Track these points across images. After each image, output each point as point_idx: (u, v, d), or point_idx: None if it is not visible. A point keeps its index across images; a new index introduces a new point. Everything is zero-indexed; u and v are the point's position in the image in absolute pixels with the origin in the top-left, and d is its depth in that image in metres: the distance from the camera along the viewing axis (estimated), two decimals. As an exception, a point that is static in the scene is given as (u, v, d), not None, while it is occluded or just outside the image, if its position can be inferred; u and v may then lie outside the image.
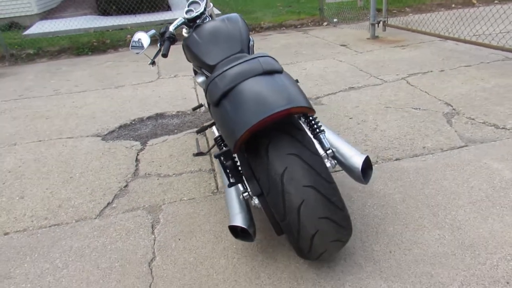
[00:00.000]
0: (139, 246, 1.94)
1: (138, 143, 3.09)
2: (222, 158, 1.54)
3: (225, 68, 1.66)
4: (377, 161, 2.47)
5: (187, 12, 2.49)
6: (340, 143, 1.86)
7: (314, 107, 3.43)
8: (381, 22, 5.81)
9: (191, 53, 2.26)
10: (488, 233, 1.77)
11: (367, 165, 1.73)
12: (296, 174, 1.39)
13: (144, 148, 2.99)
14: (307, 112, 1.44)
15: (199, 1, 2.52)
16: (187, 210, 2.18)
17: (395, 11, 7.62)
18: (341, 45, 5.57)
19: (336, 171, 2.39)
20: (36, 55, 6.95)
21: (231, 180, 1.60)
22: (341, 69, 4.43)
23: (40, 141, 3.30)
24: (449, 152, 2.48)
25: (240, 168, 1.59)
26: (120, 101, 4.12)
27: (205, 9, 2.51)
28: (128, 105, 3.97)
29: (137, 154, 2.90)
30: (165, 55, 2.26)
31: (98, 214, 2.23)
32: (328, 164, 1.69)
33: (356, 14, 7.39)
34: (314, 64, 4.77)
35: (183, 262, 1.79)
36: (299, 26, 7.50)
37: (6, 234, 2.14)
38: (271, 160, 1.41)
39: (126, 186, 2.50)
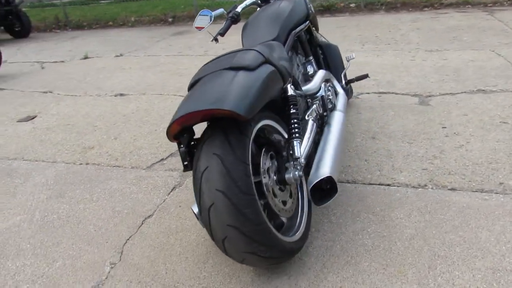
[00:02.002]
0: (151, 202, 2.21)
1: (224, 111, 3.33)
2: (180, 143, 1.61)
3: (215, 57, 1.69)
4: (426, 185, 2.06)
5: (259, -9, 2.49)
6: (326, 153, 1.67)
7: (415, 106, 2.98)
8: None
9: (241, 36, 2.29)
10: (476, 312, 1.36)
11: (332, 186, 1.52)
12: (213, 175, 1.36)
13: (225, 117, 3.21)
14: (235, 117, 1.36)
15: (274, -20, 2.48)
16: (207, 183, 2.32)
17: None
18: (521, 34, 4.46)
19: (364, 184, 2.13)
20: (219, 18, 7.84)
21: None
22: (489, 65, 3.60)
23: (161, 94, 3.90)
24: (531, 199, 1.87)
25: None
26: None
27: (277, -11, 2.46)
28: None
29: (214, 121, 3.14)
30: (221, 34, 2.36)
31: (148, 166, 2.61)
32: (290, 175, 1.57)
33: None
34: (462, 54, 4.00)
35: (165, 227, 1.99)
36: (489, 5, 6.24)
37: (87, 164, 2.73)
38: (200, 156, 1.42)
39: (185, 147, 2.79)
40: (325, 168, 1.56)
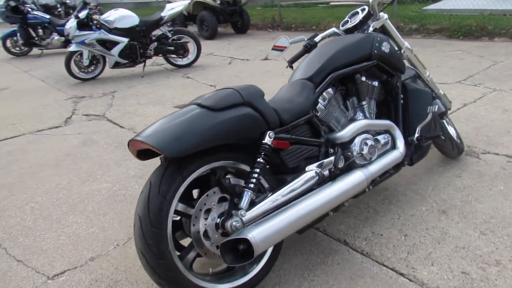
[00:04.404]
0: (188, 204, 2.44)
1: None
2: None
3: None
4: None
5: (343, 23, 2.32)
6: (279, 215, 1.51)
7: (546, 188, 2.20)
8: None
9: None
10: None
11: (249, 249, 1.38)
12: (141, 200, 1.48)
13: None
14: (157, 152, 1.41)
15: (359, 12, 2.27)
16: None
17: None
18: None
19: (375, 262, 1.78)
20: (415, 31, 7.23)
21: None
22: None
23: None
24: None
25: None
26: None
27: (362, 21, 2.23)
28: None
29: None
30: (289, 62, 2.35)
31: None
32: (228, 223, 1.51)
33: None
34: None
35: (174, 231, 2.19)
36: None
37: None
38: (149, 177, 1.54)
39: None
40: (257, 229, 1.44)
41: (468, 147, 2.74)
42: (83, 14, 5.54)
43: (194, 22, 9.41)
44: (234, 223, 1.51)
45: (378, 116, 2.21)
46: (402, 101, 2.19)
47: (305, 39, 2.39)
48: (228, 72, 5.79)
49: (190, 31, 6.50)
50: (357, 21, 2.23)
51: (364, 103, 2.03)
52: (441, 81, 4.28)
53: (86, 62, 5.83)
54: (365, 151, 1.89)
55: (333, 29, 2.35)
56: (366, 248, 1.90)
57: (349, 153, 1.90)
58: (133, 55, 5.89)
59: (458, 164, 2.55)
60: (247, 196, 1.54)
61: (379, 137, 2.01)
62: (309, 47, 2.29)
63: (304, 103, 1.82)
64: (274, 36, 8.77)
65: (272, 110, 1.67)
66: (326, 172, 1.80)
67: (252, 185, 1.56)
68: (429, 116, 2.15)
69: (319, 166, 1.80)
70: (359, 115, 2.04)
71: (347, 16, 2.34)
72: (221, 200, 1.60)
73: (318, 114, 1.89)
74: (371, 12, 2.24)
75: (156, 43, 5.97)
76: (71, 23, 5.54)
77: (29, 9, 8.29)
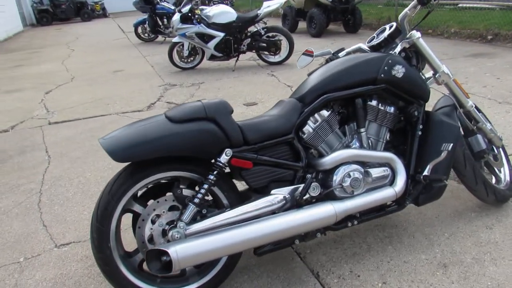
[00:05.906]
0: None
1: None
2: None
3: None
4: None
5: (370, 39, 2.14)
6: (211, 235, 1.51)
7: None
8: None
9: None
10: None
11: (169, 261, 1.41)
12: (99, 196, 1.62)
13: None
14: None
15: (387, 28, 2.05)
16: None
17: None
18: None
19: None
20: None
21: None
22: None
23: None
24: None
25: None
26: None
27: (387, 39, 2.02)
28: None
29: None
30: (308, 75, 2.28)
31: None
32: (170, 233, 1.56)
33: None
34: None
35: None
36: None
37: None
38: (113, 177, 1.69)
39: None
40: (184, 244, 1.45)
41: (526, 195, 2.28)
42: (186, 9, 6.01)
43: (305, 19, 9.38)
44: (174, 233, 1.56)
45: (393, 146, 2.00)
46: (420, 133, 1.93)
47: (332, 53, 2.28)
48: (313, 74, 5.69)
49: (284, 29, 6.53)
50: (381, 38, 2.02)
51: (362, 130, 1.85)
52: (544, 108, 3.58)
53: (186, 52, 6.33)
54: (346, 183, 1.74)
55: (359, 45, 2.18)
56: (334, 286, 1.76)
57: (330, 183, 1.77)
58: (227, 49, 6.18)
59: (497, 213, 2.15)
60: (189, 210, 1.58)
61: (373, 170, 1.82)
62: (330, 62, 2.17)
63: (284, 124, 1.75)
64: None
65: (237, 127, 1.65)
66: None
67: (197, 200, 1.58)
68: (443, 155, 1.85)
69: (292, 191, 1.73)
70: (355, 143, 1.87)
71: (376, 32, 2.14)
72: (174, 208, 1.66)
73: (304, 136, 1.80)
74: (400, 29, 2.01)
75: (249, 39, 6.17)
76: (176, 17, 6.06)
77: (158, 1, 9.29)
